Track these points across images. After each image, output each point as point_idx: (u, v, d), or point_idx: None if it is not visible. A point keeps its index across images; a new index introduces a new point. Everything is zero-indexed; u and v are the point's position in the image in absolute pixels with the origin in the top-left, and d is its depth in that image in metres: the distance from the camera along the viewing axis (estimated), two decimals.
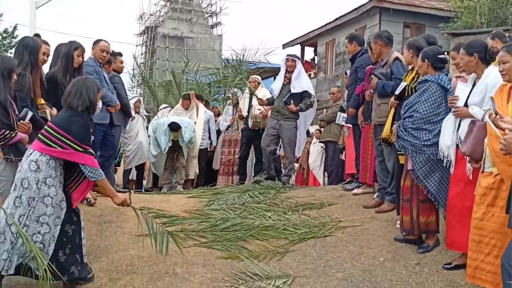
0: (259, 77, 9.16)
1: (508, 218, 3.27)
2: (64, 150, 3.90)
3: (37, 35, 5.62)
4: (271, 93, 7.89)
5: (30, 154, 3.92)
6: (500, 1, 13.99)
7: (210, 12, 36.17)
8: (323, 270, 4.47)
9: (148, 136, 8.77)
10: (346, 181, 7.48)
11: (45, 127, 4.07)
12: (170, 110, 9.45)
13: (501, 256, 3.29)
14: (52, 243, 3.87)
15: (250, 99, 8.66)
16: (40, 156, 3.88)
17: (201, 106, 9.35)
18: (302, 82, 7.51)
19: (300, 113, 7.57)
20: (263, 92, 8.42)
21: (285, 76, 7.55)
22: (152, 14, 35.42)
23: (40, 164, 3.86)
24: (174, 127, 8.27)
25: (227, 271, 4.47)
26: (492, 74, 4.08)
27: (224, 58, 19.46)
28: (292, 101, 7.35)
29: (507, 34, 5.99)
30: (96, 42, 6.37)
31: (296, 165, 11.72)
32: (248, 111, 8.60)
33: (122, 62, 7.52)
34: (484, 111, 3.98)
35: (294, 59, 7.62)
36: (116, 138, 6.92)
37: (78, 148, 3.92)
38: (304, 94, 7.48)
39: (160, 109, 9.91)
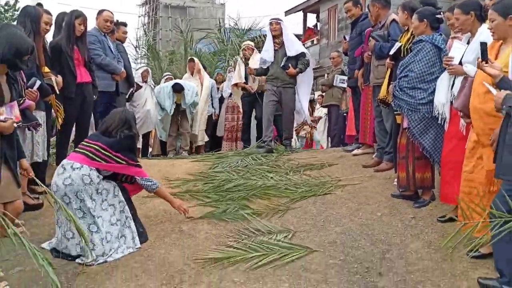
0: (252, 43, 9.22)
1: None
2: (118, 165, 4.39)
3: (39, 4, 5.72)
4: (261, 65, 7.75)
5: (78, 168, 4.26)
6: None
7: None
8: (323, 225, 4.66)
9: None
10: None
11: (96, 147, 4.37)
12: (172, 79, 9.60)
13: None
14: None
15: (246, 65, 8.62)
16: (91, 170, 4.26)
17: (205, 73, 9.49)
18: (295, 44, 7.48)
19: (298, 79, 7.54)
20: (257, 58, 8.29)
21: (274, 42, 7.46)
22: None
23: (92, 177, 4.25)
24: (177, 88, 8.32)
25: (230, 228, 4.68)
26: (485, 32, 4.17)
27: (227, 27, 19.62)
28: (289, 64, 7.31)
29: None
30: (100, 12, 6.50)
31: (304, 131, 11.83)
32: (246, 78, 8.65)
33: (125, 33, 7.64)
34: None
35: (278, 21, 7.50)
36: (120, 106, 7.10)
37: (130, 162, 4.45)
38: (299, 55, 7.43)
39: (163, 77, 10.08)
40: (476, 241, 3.41)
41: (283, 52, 7.38)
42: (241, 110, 9.01)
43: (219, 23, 20.70)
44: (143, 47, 19.57)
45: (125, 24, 7.72)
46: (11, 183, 3.97)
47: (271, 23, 7.49)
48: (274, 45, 7.46)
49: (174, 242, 4.46)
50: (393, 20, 5.86)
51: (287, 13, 22.84)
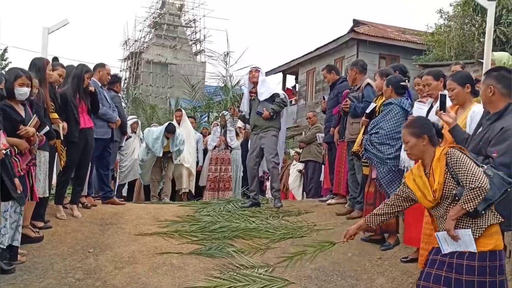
0: None
1: None
2: None
3: (55, 58, 6.34)
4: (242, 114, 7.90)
5: None
6: (468, 36, 15.04)
7: (194, 39, 36.89)
8: (299, 262, 5.20)
9: None
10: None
11: None
12: (138, 124, 10.09)
13: None
14: None
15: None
16: None
17: (190, 125, 10.08)
18: (267, 87, 7.47)
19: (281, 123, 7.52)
20: None
21: (250, 92, 7.56)
22: (136, 40, 35.95)
23: None
24: (171, 129, 8.71)
25: (216, 262, 5.19)
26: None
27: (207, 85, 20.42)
28: (263, 108, 7.30)
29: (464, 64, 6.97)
30: (102, 65, 7.09)
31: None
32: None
33: (109, 73, 7.90)
34: None
35: (258, 69, 7.57)
36: (114, 152, 7.65)
37: None
38: (274, 96, 7.40)
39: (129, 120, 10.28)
40: None
41: (258, 99, 7.44)
42: (224, 162, 9.57)
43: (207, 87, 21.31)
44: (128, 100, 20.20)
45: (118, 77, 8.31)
46: None
47: (251, 71, 7.59)
48: (250, 95, 7.58)
49: (165, 273, 4.95)
50: (368, 84, 6.60)
51: (268, 73, 23.74)
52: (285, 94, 7.66)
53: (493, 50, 12.08)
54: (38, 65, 5.65)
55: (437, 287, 3.24)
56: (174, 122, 9.81)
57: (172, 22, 35.68)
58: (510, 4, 12.69)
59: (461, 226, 3.19)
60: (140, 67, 35.40)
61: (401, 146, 5.33)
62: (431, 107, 5.10)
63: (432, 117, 4.89)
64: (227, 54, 7.04)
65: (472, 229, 3.17)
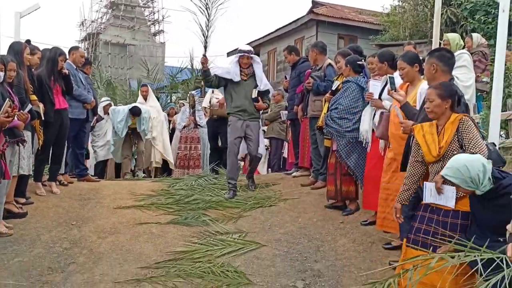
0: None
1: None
2: None
3: (28, 41, 6.56)
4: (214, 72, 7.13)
5: None
6: (422, 17, 15.73)
7: (153, 20, 36.68)
8: (269, 227, 5.70)
9: None
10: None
11: None
12: (111, 105, 10.19)
13: None
14: None
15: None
16: None
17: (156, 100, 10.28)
18: (264, 79, 7.20)
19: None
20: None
21: (241, 72, 7.02)
22: (93, 21, 35.45)
23: None
24: (135, 111, 8.94)
25: (193, 230, 5.63)
26: (398, 77, 5.43)
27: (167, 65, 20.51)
28: (259, 98, 7.04)
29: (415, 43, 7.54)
30: (76, 48, 7.38)
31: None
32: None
33: (82, 56, 8.09)
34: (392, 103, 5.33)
35: (250, 55, 7.13)
36: (87, 131, 7.94)
37: None
38: (265, 91, 7.20)
39: (101, 102, 10.21)
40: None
41: (253, 84, 7.05)
42: (193, 140, 9.94)
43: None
44: None
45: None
46: None
47: (243, 57, 7.04)
48: (241, 76, 7.03)
49: (146, 240, 5.36)
50: (329, 64, 7.07)
51: (229, 54, 24.16)
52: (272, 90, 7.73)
53: (444, 30, 12.87)
54: (16, 48, 5.89)
55: (425, 238, 3.74)
56: (140, 98, 9.99)
57: (129, 2, 35.27)
58: None
59: (449, 183, 3.58)
60: (98, 48, 34.96)
61: (358, 119, 5.86)
62: (385, 85, 5.63)
63: (385, 96, 5.44)
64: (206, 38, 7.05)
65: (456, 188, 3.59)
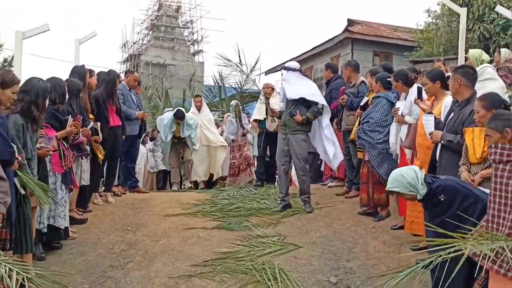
0: (273, 83, 9.79)
1: None
2: None
3: (83, 65, 7.30)
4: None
5: None
6: (455, 33, 15.97)
7: (192, 40, 37.60)
8: (306, 232, 6.21)
9: None
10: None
11: None
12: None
13: None
14: None
15: (267, 104, 9.11)
16: None
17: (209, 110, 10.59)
18: (296, 88, 7.12)
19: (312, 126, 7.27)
20: (276, 99, 8.64)
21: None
22: (135, 42, 36.52)
23: None
24: (179, 115, 9.19)
25: (236, 234, 6.18)
26: (412, 93, 5.83)
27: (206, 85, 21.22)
28: (298, 111, 7.03)
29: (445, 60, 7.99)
30: (131, 72, 8.14)
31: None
32: (266, 114, 9.19)
33: (136, 80, 8.68)
34: (413, 118, 5.78)
35: (268, 85, 8.55)
36: (138, 147, 8.66)
37: None
38: (311, 103, 7.10)
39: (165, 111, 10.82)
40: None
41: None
42: (244, 149, 10.22)
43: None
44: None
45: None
46: None
47: (263, 87, 8.75)
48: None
49: (194, 243, 5.94)
50: (362, 81, 7.58)
51: (268, 72, 24.84)
52: (325, 104, 7.27)
53: (477, 46, 13.17)
54: (80, 72, 6.61)
55: None
56: (194, 109, 10.25)
57: (169, 23, 36.15)
58: (492, 3, 13.65)
59: (484, 185, 4.08)
60: (139, 68, 35.97)
61: (388, 132, 6.32)
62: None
63: (405, 111, 5.85)
64: (241, 63, 7.39)
65: None
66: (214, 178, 10.36)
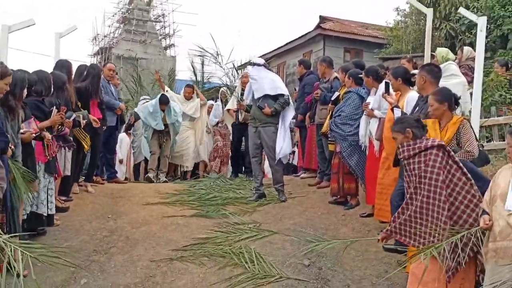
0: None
1: (398, 171, 5.37)
2: None
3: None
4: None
5: None
6: (423, 32, 16.48)
7: (164, 34, 37.38)
8: (280, 219, 6.55)
9: None
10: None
11: None
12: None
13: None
14: None
15: (242, 94, 8.97)
16: None
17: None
18: (260, 86, 7.42)
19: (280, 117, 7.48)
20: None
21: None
22: (106, 35, 36.22)
23: None
24: (164, 100, 9.14)
25: (214, 221, 6.48)
26: (381, 88, 6.19)
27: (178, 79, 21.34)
28: (265, 104, 7.32)
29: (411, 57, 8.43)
30: (105, 64, 8.29)
31: None
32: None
33: (110, 69, 8.56)
34: (382, 113, 6.15)
35: (247, 74, 8.35)
36: (116, 138, 8.87)
37: None
38: (278, 95, 7.38)
39: (141, 100, 10.95)
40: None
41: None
42: (225, 137, 10.26)
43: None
44: None
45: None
46: None
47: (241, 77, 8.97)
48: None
49: (174, 230, 6.22)
50: (336, 77, 7.92)
51: (240, 67, 25.09)
52: (287, 93, 7.56)
53: (443, 44, 13.74)
54: (65, 66, 6.80)
55: None
56: (182, 98, 10.18)
57: (141, 17, 35.87)
58: (458, 2, 14.20)
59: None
60: (110, 62, 35.52)
61: (358, 125, 6.69)
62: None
63: (374, 106, 6.23)
64: (218, 54, 7.42)
65: None
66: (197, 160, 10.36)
